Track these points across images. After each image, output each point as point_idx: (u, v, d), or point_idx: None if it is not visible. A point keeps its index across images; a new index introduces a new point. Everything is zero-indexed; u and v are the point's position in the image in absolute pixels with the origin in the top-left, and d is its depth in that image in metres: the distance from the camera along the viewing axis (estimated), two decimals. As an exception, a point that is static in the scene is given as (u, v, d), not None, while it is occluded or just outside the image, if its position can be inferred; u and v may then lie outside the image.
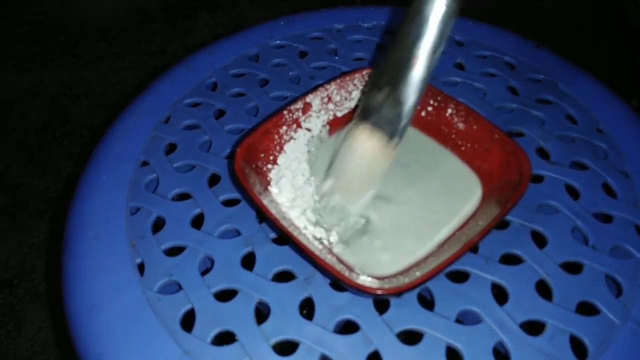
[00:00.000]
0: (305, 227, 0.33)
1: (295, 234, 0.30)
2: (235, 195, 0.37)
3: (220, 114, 0.44)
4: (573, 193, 0.37)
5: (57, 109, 1.06)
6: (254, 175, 0.33)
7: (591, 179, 0.38)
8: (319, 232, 0.33)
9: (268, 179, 0.35)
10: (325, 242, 0.32)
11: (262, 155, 0.35)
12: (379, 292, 0.28)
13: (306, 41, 0.51)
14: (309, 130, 0.38)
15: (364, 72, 0.39)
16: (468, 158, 0.37)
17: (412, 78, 0.28)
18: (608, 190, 0.38)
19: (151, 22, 1.27)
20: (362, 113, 0.32)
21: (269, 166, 0.35)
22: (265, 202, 0.31)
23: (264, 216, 0.31)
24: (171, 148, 0.41)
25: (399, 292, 0.28)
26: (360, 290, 0.28)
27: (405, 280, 0.29)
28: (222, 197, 0.37)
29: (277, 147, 0.36)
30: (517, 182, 0.32)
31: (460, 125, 0.37)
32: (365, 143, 0.32)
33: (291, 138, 0.37)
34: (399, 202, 0.35)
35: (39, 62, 1.16)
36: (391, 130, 0.31)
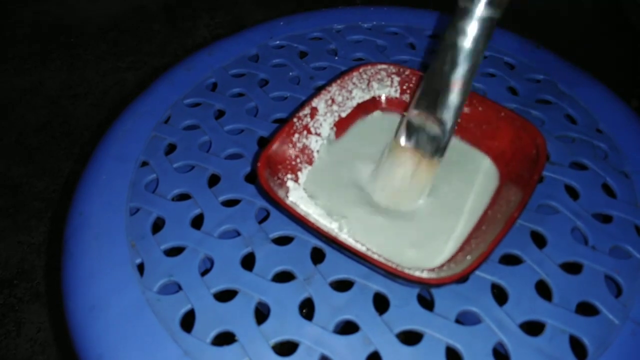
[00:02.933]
0: (345, 234, 0.33)
1: (340, 239, 0.31)
2: (235, 195, 0.37)
3: (220, 114, 0.44)
4: (573, 193, 0.37)
5: (56, 109, 1.06)
6: (277, 187, 0.33)
7: (591, 179, 0.38)
8: (351, 235, 0.33)
9: (288, 187, 0.35)
10: (359, 244, 0.32)
11: (280, 166, 0.35)
12: (434, 282, 0.28)
13: (306, 41, 0.51)
14: (318, 135, 0.38)
15: (361, 70, 0.39)
16: (478, 140, 0.38)
17: (451, 102, 0.31)
18: (608, 190, 0.38)
19: (151, 23, 1.27)
20: (403, 134, 0.35)
21: (289, 175, 0.36)
22: (300, 212, 0.32)
23: (305, 227, 0.32)
24: (171, 148, 0.41)
25: (461, 277, 0.28)
26: (423, 284, 0.29)
27: (457, 267, 0.29)
28: (222, 198, 0.37)
29: (293, 156, 0.36)
30: (534, 155, 0.33)
31: (465, 109, 0.37)
32: (410, 161, 0.35)
33: (304, 145, 0.37)
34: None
35: (39, 62, 1.16)
36: (433, 148, 0.34)
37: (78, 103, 1.07)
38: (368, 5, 0.56)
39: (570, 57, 0.49)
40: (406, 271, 0.29)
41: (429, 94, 0.32)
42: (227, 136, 0.41)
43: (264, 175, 0.32)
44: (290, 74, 0.48)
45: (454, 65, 0.30)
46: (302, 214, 0.32)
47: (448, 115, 0.32)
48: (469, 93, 0.32)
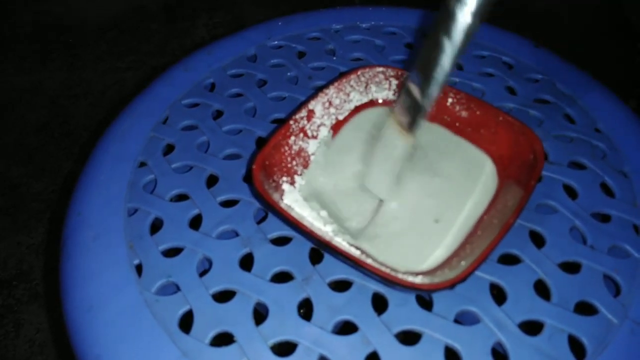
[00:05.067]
0: (339, 237, 0.33)
1: (334, 243, 0.30)
2: (233, 195, 0.37)
3: (218, 114, 0.44)
4: (571, 193, 0.37)
5: (56, 109, 1.06)
6: (272, 190, 0.33)
7: (589, 178, 0.38)
8: (345, 238, 0.33)
9: (284, 190, 0.35)
10: (354, 248, 0.32)
11: (275, 169, 0.35)
12: (426, 288, 0.28)
13: (304, 41, 0.51)
14: (315, 137, 0.38)
15: (359, 73, 0.39)
16: (476, 144, 0.38)
17: (436, 77, 0.29)
18: (606, 189, 0.38)
19: (150, 22, 1.27)
20: (396, 107, 0.33)
21: (284, 178, 0.35)
22: (294, 215, 0.31)
23: (298, 230, 0.31)
24: (169, 149, 0.41)
25: (453, 284, 0.28)
26: (415, 289, 0.29)
27: (450, 273, 0.29)
28: (220, 198, 0.37)
29: (289, 159, 0.36)
30: (531, 160, 0.33)
31: (463, 113, 0.37)
32: (389, 131, 0.33)
33: (300, 147, 0.37)
34: (413, 190, 0.35)
35: (39, 62, 1.16)
36: (411, 117, 0.32)
37: (77, 103, 1.07)
38: (366, 5, 0.56)
39: (569, 57, 0.49)
40: (400, 276, 0.29)
41: (420, 68, 0.30)
42: (225, 136, 0.41)
43: (258, 177, 0.32)
44: (289, 74, 0.48)
45: (450, 35, 0.27)
46: (297, 217, 0.31)
47: (431, 91, 0.30)
48: (452, 71, 0.29)
